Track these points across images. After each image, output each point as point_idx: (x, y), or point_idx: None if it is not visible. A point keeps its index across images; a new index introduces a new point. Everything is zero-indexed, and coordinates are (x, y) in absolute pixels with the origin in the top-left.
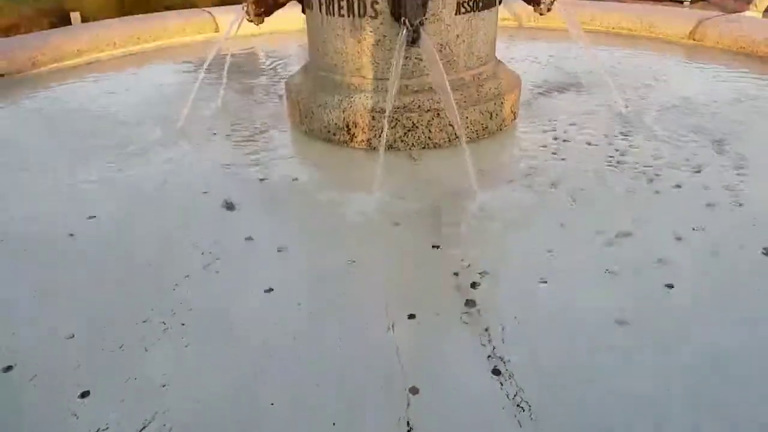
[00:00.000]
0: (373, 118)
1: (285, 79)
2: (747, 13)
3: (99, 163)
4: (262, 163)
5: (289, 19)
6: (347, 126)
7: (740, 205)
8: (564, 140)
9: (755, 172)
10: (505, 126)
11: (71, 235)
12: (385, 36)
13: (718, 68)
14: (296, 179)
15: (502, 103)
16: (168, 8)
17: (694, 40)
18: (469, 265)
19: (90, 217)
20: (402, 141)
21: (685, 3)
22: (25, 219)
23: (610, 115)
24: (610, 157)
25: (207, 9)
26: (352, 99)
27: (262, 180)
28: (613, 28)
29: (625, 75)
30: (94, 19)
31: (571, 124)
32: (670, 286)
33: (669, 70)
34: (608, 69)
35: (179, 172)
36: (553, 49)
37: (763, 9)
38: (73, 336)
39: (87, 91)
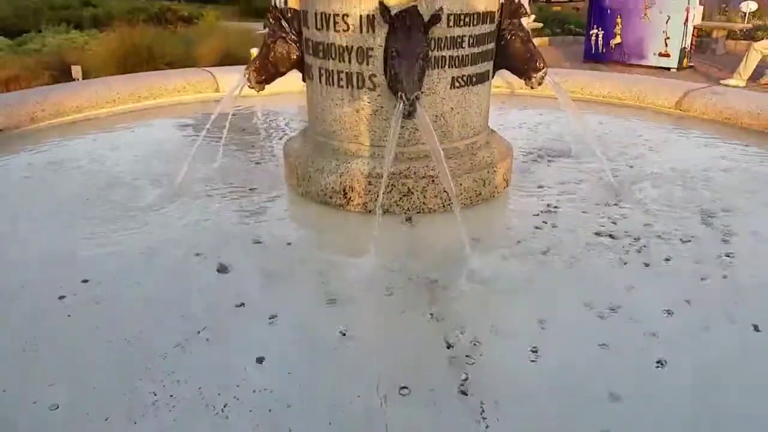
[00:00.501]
0: (370, 183)
1: (284, 140)
2: (731, 81)
3: (93, 222)
4: (257, 225)
5: (290, 80)
6: (344, 190)
7: (729, 278)
8: (555, 208)
9: (744, 244)
10: (498, 193)
11: (61, 298)
12: (382, 107)
13: (705, 138)
14: (291, 242)
15: (494, 171)
16: (169, 64)
17: (680, 110)
18: (463, 336)
19: (83, 281)
20: (397, 205)
21: (672, 69)
22: (13, 281)
23: (600, 183)
24: (601, 226)
25: (207, 69)
26: (349, 164)
27: (256, 242)
28: (603, 97)
29: (614, 143)
30: (95, 73)
31: (561, 193)
32: (662, 363)
33: (657, 139)
34: (598, 137)
35: (173, 233)
36: (544, 117)
37: (747, 77)
38: (57, 407)
39: (84, 148)
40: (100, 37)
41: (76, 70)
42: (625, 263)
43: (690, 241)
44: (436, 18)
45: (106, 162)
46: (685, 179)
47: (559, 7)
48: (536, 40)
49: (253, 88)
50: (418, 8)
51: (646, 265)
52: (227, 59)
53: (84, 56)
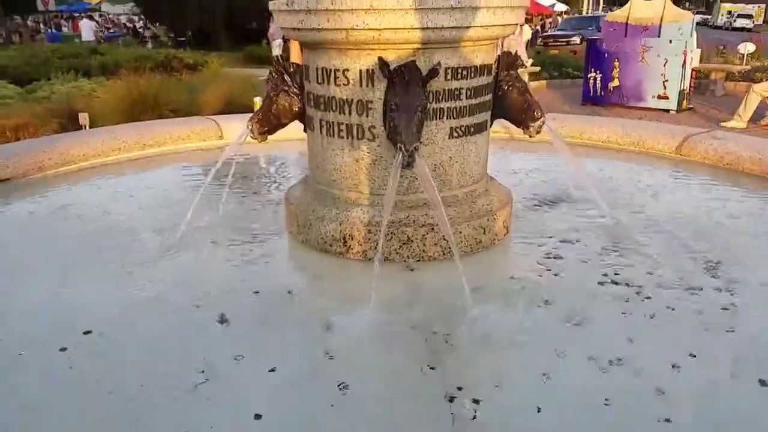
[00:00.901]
0: (369, 231)
1: (285, 186)
2: (731, 123)
3: (95, 273)
4: (258, 273)
5: (291, 128)
6: (344, 238)
7: (734, 330)
8: (556, 256)
9: (747, 294)
10: (499, 240)
11: (63, 350)
12: (381, 157)
13: (706, 184)
14: (291, 291)
15: (494, 218)
16: (174, 111)
17: (681, 154)
18: (464, 390)
19: (85, 332)
20: (397, 253)
21: (671, 111)
22: (15, 331)
23: (601, 230)
24: (603, 275)
25: (212, 117)
26: (349, 213)
27: (256, 292)
28: (602, 142)
29: (615, 189)
30: (102, 119)
31: (563, 240)
32: (668, 420)
33: (658, 185)
34: (598, 183)
35: (174, 284)
36: (543, 162)
37: (747, 119)
38: None
39: (89, 197)
40: (107, 85)
41: (84, 117)
42: (628, 314)
43: (694, 290)
44: (433, 72)
45: (110, 210)
46: (688, 226)
47: (557, 51)
48: (534, 83)
49: (255, 138)
50: (416, 63)
51: (650, 316)
52: (231, 105)
53: (91, 103)
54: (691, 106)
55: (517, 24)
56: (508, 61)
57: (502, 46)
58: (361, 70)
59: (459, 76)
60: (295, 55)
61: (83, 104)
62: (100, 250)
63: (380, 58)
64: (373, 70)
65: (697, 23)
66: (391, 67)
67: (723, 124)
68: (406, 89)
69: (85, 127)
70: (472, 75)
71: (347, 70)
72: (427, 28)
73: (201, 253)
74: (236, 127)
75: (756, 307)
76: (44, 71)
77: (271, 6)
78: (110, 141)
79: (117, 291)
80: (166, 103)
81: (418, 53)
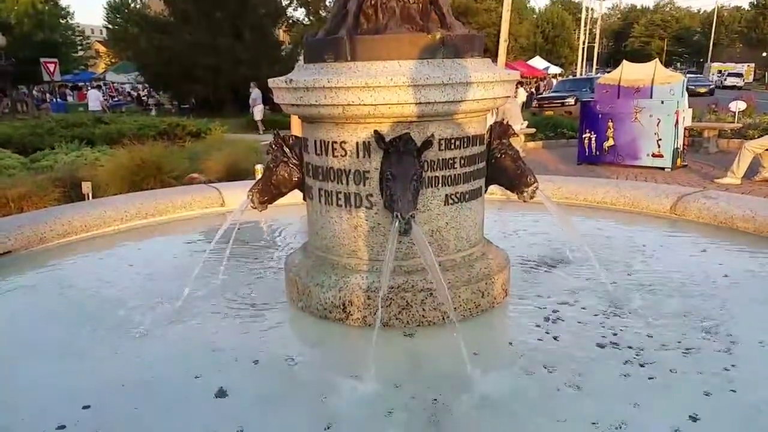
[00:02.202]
0: (369, 297)
1: (285, 252)
2: (726, 180)
3: (92, 347)
4: (257, 343)
5: (291, 192)
6: (343, 305)
7: (735, 391)
8: (555, 320)
9: (747, 355)
10: (498, 303)
11: (60, 428)
12: (379, 223)
13: (701, 243)
14: (290, 361)
15: (492, 282)
16: (176, 178)
17: (675, 214)
18: None
19: (84, 407)
20: (397, 319)
21: (666, 169)
22: (12, 409)
23: (599, 293)
24: (603, 337)
25: (214, 185)
26: (347, 279)
27: (256, 362)
28: (598, 203)
29: (611, 250)
30: (105, 188)
31: (561, 303)
32: None
33: (653, 245)
34: (594, 244)
35: (174, 356)
36: (539, 224)
37: (741, 176)
38: None
39: (90, 268)
40: (110, 153)
41: (87, 186)
42: (628, 376)
43: (693, 352)
44: (428, 143)
45: (111, 281)
46: (685, 286)
47: (552, 112)
48: (531, 144)
49: (255, 208)
50: (411, 135)
51: (650, 378)
52: (233, 170)
53: (95, 172)
54: (685, 163)
55: (507, 96)
56: (500, 131)
57: (496, 112)
58: (357, 142)
59: (453, 146)
60: (296, 128)
61: (86, 173)
62: (99, 323)
63: (376, 131)
64: (369, 141)
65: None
66: (387, 139)
67: (717, 180)
68: (402, 160)
69: (88, 196)
70: (466, 145)
71: (344, 142)
72: (421, 103)
73: (200, 323)
74: (237, 194)
75: (757, 368)
76: (48, 141)
77: (270, 83)
78: (112, 212)
79: (115, 365)
80: (169, 170)
81: (412, 126)
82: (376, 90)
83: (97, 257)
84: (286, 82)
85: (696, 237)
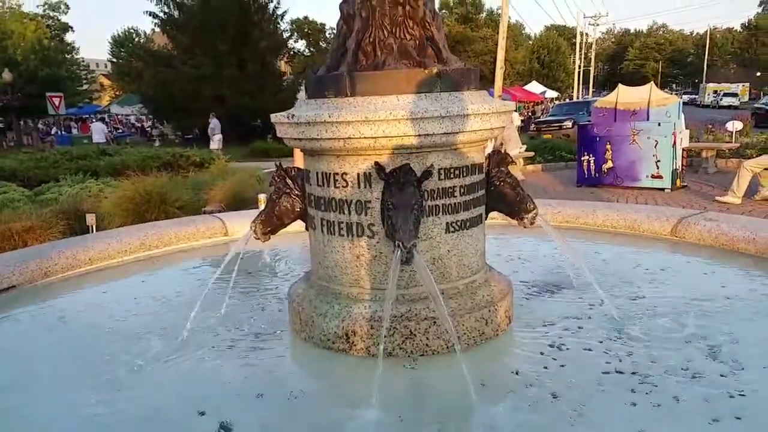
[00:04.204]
0: (372, 327)
1: (288, 280)
2: (726, 199)
3: (96, 380)
4: (261, 375)
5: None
6: (346, 335)
7: (741, 418)
8: (560, 346)
9: (753, 381)
10: (502, 331)
11: None
12: (381, 252)
13: (702, 266)
14: (294, 393)
15: (496, 309)
16: (180, 208)
17: (676, 236)
18: None
19: None
20: (400, 348)
21: (666, 190)
22: None
23: (603, 318)
24: (608, 363)
25: (217, 215)
26: (350, 309)
27: (260, 396)
28: (599, 226)
29: (613, 274)
30: (109, 219)
31: (565, 329)
32: None
33: (656, 268)
34: (596, 268)
35: (176, 390)
36: (542, 247)
37: (741, 195)
38: None
39: (93, 302)
40: (114, 185)
41: (91, 218)
42: (635, 404)
43: (699, 377)
44: (427, 174)
45: (114, 314)
46: (688, 310)
47: (550, 135)
48: (530, 167)
49: (258, 239)
50: (411, 166)
51: (656, 405)
52: (237, 198)
53: (99, 204)
54: (685, 184)
55: (504, 126)
56: (498, 159)
57: (495, 137)
58: (358, 174)
59: (452, 175)
60: (298, 160)
61: (90, 205)
62: (102, 358)
63: (376, 163)
64: (370, 172)
65: (685, 102)
66: (387, 170)
67: (718, 198)
68: (402, 190)
69: (92, 228)
70: (465, 174)
71: (346, 173)
72: (419, 135)
73: (204, 355)
74: (241, 224)
75: (763, 393)
76: (53, 173)
77: (273, 118)
78: (116, 244)
79: (119, 400)
80: (173, 201)
81: (412, 156)
82: (376, 123)
83: (101, 291)
84: (288, 117)
85: (698, 259)
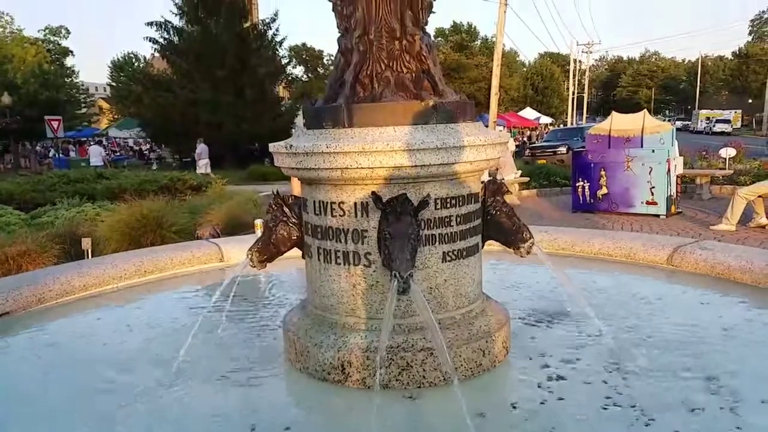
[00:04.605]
0: (368, 358)
1: (284, 307)
2: (721, 227)
3: (87, 416)
4: (255, 408)
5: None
6: (342, 366)
7: None
8: (558, 378)
9: (751, 414)
10: (499, 362)
11: None
12: (378, 281)
13: (699, 295)
14: (289, 427)
15: (493, 340)
16: (176, 233)
17: (672, 265)
18: None
19: None
20: (397, 380)
21: (661, 216)
22: None
23: (601, 349)
24: (607, 397)
25: (213, 240)
26: (346, 339)
27: (253, 428)
28: (594, 254)
29: (610, 304)
30: (105, 243)
31: (563, 360)
32: None
33: (652, 297)
34: (592, 296)
35: (169, 424)
36: (537, 275)
37: (736, 222)
38: None
39: (87, 330)
40: (111, 209)
41: (86, 242)
42: None
43: (698, 411)
44: (424, 203)
45: (108, 343)
46: (685, 341)
47: (545, 161)
48: (525, 192)
49: (255, 266)
50: (407, 195)
51: None
52: (234, 222)
53: (95, 228)
54: (680, 210)
55: (499, 157)
56: (494, 188)
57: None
58: (356, 203)
59: (448, 204)
60: (296, 188)
61: (86, 229)
62: (94, 388)
63: (373, 193)
64: (367, 202)
65: (678, 129)
66: (384, 200)
67: (712, 227)
68: (399, 219)
69: (88, 252)
70: (461, 203)
71: (343, 202)
72: (416, 165)
73: (197, 387)
74: (236, 249)
75: (761, 425)
76: (50, 197)
77: (271, 148)
78: (111, 270)
79: None
80: (169, 225)
81: (408, 186)
82: (373, 154)
83: (94, 318)
84: (286, 147)
85: (694, 289)
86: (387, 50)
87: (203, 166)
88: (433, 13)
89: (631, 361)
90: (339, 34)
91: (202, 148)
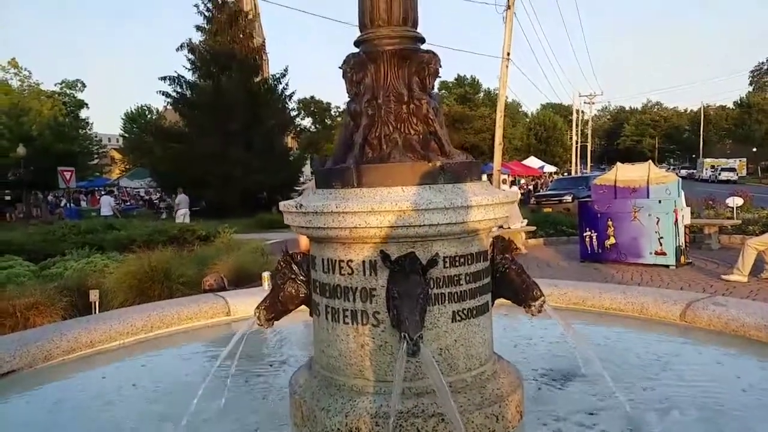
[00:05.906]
0: (377, 423)
1: (291, 365)
2: (733, 277)
3: None
4: None
5: None
6: None
7: None
8: None
9: None
10: (513, 428)
11: None
12: (386, 342)
13: (714, 353)
14: None
15: (506, 404)
16: (184, 284)
17: (686, 321)
18: None
19: None
20: None
21: (671, 267)
22: None
23: (617, 412)
24: None
25: (220, 294)
26: (354, 403)
27: None
28: (606, 309)
29: (625, 362)
30: (113, 295)
31: (579, 425)
32: None
33: (668, 356)
34: (605, 356)
35: None
36: (548, 330)
37: (747, 272)
38: None
39: (92, 388)
40: (120, 260)
41: (94, 295)
42: None
43: None
44: (432, 262)
45: (112, 402)
46: (703, 403)
47: (550, 209)
48: (532, 241)
49: (262, 325)
50: (416, 254)
51: None
52: (241, 273)
53: (103, 279)
54: (690, 260)
55: (507, 216)
56: (503, 246)
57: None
58: (364, 261)
59: (457, 263)
60: (303, 244)
61: (95, 280)
62: None
63: (382, 251)
64: (375, 260)
65: (683, 177)
66: (393, 258)
67: (724, 277)
68: (408, 278)
69: (95, 305)
70: (470, 262)
71: (351, 260)
72: (424, 225)
73: None
74: (243, 303)
75: None
76: (60, 247)
77: (281, 207)
78: (118, 326)
79: None
80: (177, 276)
81: (417, 245)
82: (381, 214)
83: (100, 375)
84: (296, 206)
85: (709, 347)
86: (395, 113)
87: (181, 216)
88: (439, 78)
89: (648, 426)
90: (348, 99)
91: (181, 198)
